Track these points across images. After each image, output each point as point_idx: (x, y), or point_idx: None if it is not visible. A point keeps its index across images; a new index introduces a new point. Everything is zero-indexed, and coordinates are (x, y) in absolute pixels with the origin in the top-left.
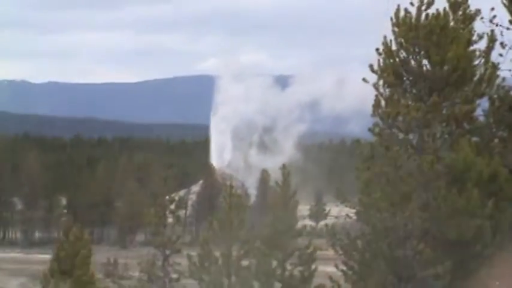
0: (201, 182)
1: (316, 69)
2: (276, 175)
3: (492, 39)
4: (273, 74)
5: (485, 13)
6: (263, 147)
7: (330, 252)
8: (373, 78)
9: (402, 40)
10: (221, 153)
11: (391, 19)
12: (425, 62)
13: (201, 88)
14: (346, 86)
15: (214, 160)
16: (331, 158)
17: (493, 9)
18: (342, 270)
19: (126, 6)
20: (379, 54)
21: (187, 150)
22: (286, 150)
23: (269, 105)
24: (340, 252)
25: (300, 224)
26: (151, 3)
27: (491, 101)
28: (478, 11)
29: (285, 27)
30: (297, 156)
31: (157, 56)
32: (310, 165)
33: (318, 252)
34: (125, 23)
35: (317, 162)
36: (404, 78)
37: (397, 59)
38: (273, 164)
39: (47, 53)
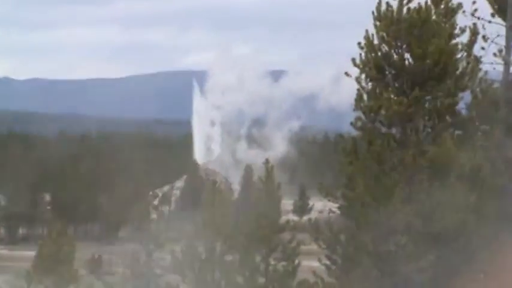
0: (184, 177)
1: (310, 63)
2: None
3: (474, 33)
4: (264, 69)
5: (467, 6)
6: (252, 141)
7: (314, 247)
8: (355, 72)
9: (384, 34)
10: (207, 148)
11: (373, 13)
12: (407, 55)
13: (185, 83)
14: (341, 81)
15: (199, 155)
16: (319, 152)
17: (474, 2)
18: (325, 265)
19: (110, 2)
20: (361, 48)
21: (171, 145)
22: (275, 145)
23: (260, 98)
24: (324, 246)
25: (283, 219)
26: None
27: (474, 94)
28: (460, 5)
29: (272, 22)
30: (285, 150)
31: (141, 52)
32: (298, 160)
33: (302, 247)
34: (109, 19)
35: (305, 157)
36: (387, 72)
37: (379, 53)
38: (261, 158)
39: (30, 49)
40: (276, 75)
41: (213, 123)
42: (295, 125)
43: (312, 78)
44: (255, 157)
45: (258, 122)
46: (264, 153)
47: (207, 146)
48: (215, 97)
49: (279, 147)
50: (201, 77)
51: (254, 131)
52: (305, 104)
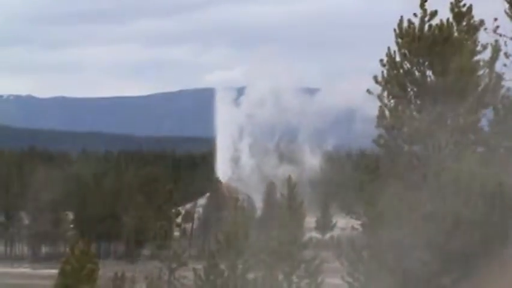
0: (207, 195)
1: (339, 81)
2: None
3: (496, 50)
4: (297, 85)
5: (489, 23)
6: (280, 157)
7: (336, 264)
8: (377, 89)
9: (406, 51)
10: (231, 165)
11: (395, 30)
12: (429, 73)
13: (207, 101)
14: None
15: (222, 172)
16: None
17: (496, 19)
18: (348, 282)
19: (132, 20)
20: (383, 65)
21: (193, 163)
22: (302, 162)
23: (292, 115)
24: (346, 263)
25: (306, 236)
26: (157, 17)
27: (496, 111)
28: (482, 22)
29: (293, 40)
30: (312, 168)
31: (163, 70)
32: (324, 177)
33: (325, 264)
34: (131, 37)
35: (333, 175)
36: (409, 89)
37: (401, 70)
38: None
39: (53, 67)
40: (310, 92)
41: (240, 138)
42: (328, 142)
43: (346, 95)
44: (282, 173)
45: (289, 139)
46: (291, 170)
47: (231, 162)
48: (244, 112)
49: (307, 164)
50: (224, 93)
51: (283, 147)
52: (340, 121)
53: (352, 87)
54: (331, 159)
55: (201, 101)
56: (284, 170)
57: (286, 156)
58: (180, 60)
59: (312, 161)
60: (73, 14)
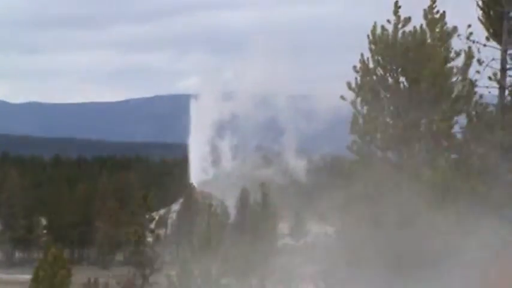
0: (181, 200)
1: (321, 86)
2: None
3: (469, 56)
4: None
5: (462, 30)
6: (263, 161)
7: (310, 270)
8: (350, 95)
9: (379, 58)
10: (203, 170)
11: (368, 37)
12: (402, 79)
13: (181, 107)
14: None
15: (195, 177)
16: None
17: (469, 26)
18: None
19: (107, 26)
20: (357, 71)
21: (167, 169)
22: (284, 167)
23: (274, 120)
24: (319, 269)
25: (280, 242)
26: (133, 23)
27: (469, 118)
28: (455, 28)
29: (270, 46)
30: (293, 173)
31: (138, 75)
32: (296, 184)
33: (298, 270)
34: (106, 43)
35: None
36: (382, 96)
37: (374, 77)
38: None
39: (27, 72)
40: (294, 98)
41: (219, 141)
42: (315, 148)
43: (332, 101)
44: (262, 176)
45: (270, 143)
46: (270, 173)
47: (207, 167)
48: (225, 115)
49: (288, 168)
50: (196, 99)
51: (264, 151)
52: (330, 127)
53: (335, 92)
54: (313, 165)
55: (176, 107)
56: (264, 173)
57: (267, 160)
58: (155, 66)
59: (294, 165)
60: (49, 18)
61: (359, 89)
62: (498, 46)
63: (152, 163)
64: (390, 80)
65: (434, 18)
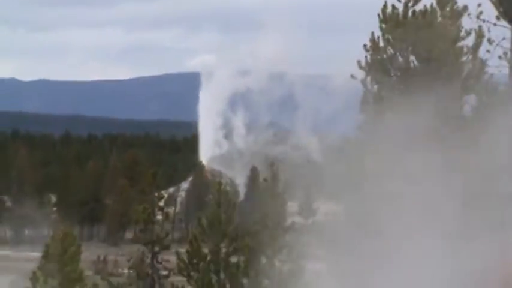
0: (190, 178)
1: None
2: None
3: (480, 36)
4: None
5: (473, 9)
6: (276, 138)
7: (319, 250)
8: (361, 74)
9: (389, 36)
10: (215, 149)
11: (378, 15)
12: (412, 58)
13: (191, 85)
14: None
15: (205, 156)
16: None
17: (480, 5)
18: (329, 267)
19: (117, 3)
20: (367, 50)
21: (177, 147)
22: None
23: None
24: (329, 248)
25: (288, 221)
26: (143, 1)
27: (479, 97)
28: (465, 7)
29: (283, 25)
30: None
31: (148, 53)
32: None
33: (307, 249)
34: (116, 20)
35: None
36: (392, 75)
37: (385, 55)
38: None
39: (37, 50)
40: (310, 77)
41: (232, 117)
42: (334, 128)
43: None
44: (276, 153)
45: (285, 120)
46: (285, 150)
47: (217, 144)
48: (225, 95)
49: (303, 147)
50: (207, 77)
51: (278, 129)
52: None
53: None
54: (324, 144)
55: (186, 85)
56: (275, 151)
57: (279, 137)
58: (164, 44)
59: (306, 144)
60: None
61: (369, 68)
62: (508, 25)
63: (162, 141)
64: (400, 59)
65: None
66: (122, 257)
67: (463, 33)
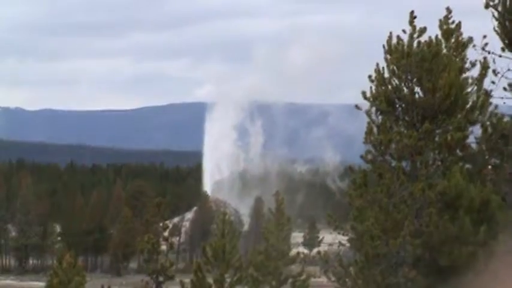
0: (195, 209)
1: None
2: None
3: (485, 67)
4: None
5: (478, 40)
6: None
7: (323, 280)
8: (365, 105)
9: (394, 67)
10: (217, 178)
11: (383, 46)
12: (417, 89)
13: (196, 115)
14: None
15: (209, 186)
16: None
17: (485, 36)
18: None
19: (123, 34)
20: (372, 81)
21: (181, 177)
22: (282, 177)
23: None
24: (333, 279)
25: (293, 251)
26: (150, 31)
27: (484, 128)
28: (470, 39)
29: (289, 55)
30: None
31: (154, 83)
32: (308, 192)
33: (311, 279)
34: (122, 50)
35: (316, 190)
36: (397, 106)
37: (390, 86)
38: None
39: (43, 80)
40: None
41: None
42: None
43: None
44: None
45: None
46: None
47: (218, 174)
48: (229, 126)
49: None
50: (212, 107)
51: (269, 161)
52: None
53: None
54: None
55: (190, 115)
56: (277, 181)
57: (282, 167)
58: (169, 74)
59: (304, 173)
60: (66, 26)
61: (374, 99)
62: None
63: (166, 171)
64: (405, 89)
65: (449, 29)
66: (126, 287)
67: (468, 65)
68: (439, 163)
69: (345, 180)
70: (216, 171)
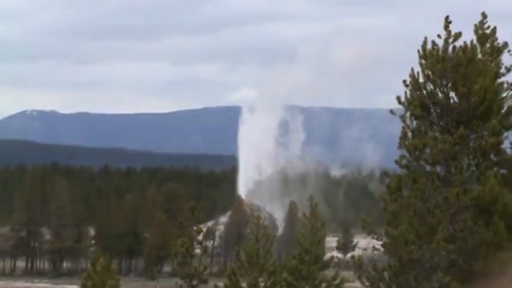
0: (229, 212)
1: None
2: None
3: None
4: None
5: None
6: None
7: (357, 284)
8: (400, 110)
9: (429, 72)
10: (251, 183)
11: (418, 51)
12: (452, 94)
13: (231, 119)
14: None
15: (244, 190)
16: (362, 190)
17: None
18: None
19: (161, 38)
20: (406, 86)
21: (216, 180)
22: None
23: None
24: (367, 283)
25: (327, 256)
26: (186, 35)
27: None
28: (505, 44)
29: (324, 59)
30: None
31: (190, 87)
32: (343, 197)
33: (345, 284)
34: (158, 54)
35: (351, 195)
36: (432, 110)
37: (424, 91)
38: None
39: (79, 83)
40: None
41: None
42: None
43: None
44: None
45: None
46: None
47: (253, 179)
48: (265, 130)
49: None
50: (248, 111)
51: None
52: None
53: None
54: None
55: (225, 119)
56: (313, 186)
57: (317, 172)
58: (205, 78)
59: (340, 178)
60: (102, 29)
61: (409, 104)
62: None
63: (201, 175)
64: (440, 94)
65: (484, 34)
66: None
67: (503, 70)
68: (474, 168)
69: (382, 184)
70: (256, 171)
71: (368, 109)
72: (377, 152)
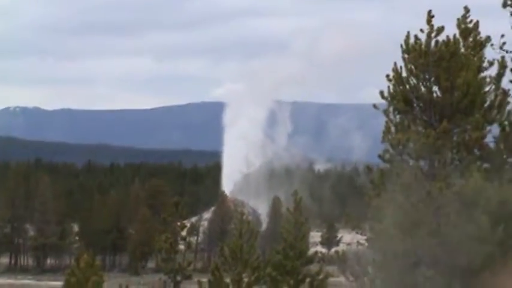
0: (213, 208)
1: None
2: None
3: (502, 66)
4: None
5: (496, 40)
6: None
7: (341, 279)
8: (383, 104)
9: (412, 66)
10: (237, 178)
11: (401, 46)
12: (435, 88)
13: (215, 115)
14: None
15: (227, 185)
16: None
17: (503, 35)
18: None
19: (145, 33)
20: (389, 80)
21: (199, 176)
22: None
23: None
24: (351, 278)
25: (311, 251)
26: (169, 31)
27: (502, 127)
28: (488, 38)
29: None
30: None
31: (173, 83)
32: (327, 192)
33: (330, 279)
34: (141, 50)
35: (335, 189)
36: (415, 105)
37: (407, 86)
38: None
39: (61, 79)
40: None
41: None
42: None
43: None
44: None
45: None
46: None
47: (237, 174)
48: (248, 126)
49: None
50: (231, 106)
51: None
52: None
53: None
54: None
55: (208, 115)
56: (296, 181)
57: (300, 167)
58: (188, 74)
59: (325, 173)
60: (85, 25)
61: (392, 98)
62: None
63: (184, 170)
64: (423, 89)
65: (467, 28)
66: (143, 287)
67: (485, 64)
68: (457, 162)
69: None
70: (244, 163)
71: (354, 104)
72: (362, 146)
